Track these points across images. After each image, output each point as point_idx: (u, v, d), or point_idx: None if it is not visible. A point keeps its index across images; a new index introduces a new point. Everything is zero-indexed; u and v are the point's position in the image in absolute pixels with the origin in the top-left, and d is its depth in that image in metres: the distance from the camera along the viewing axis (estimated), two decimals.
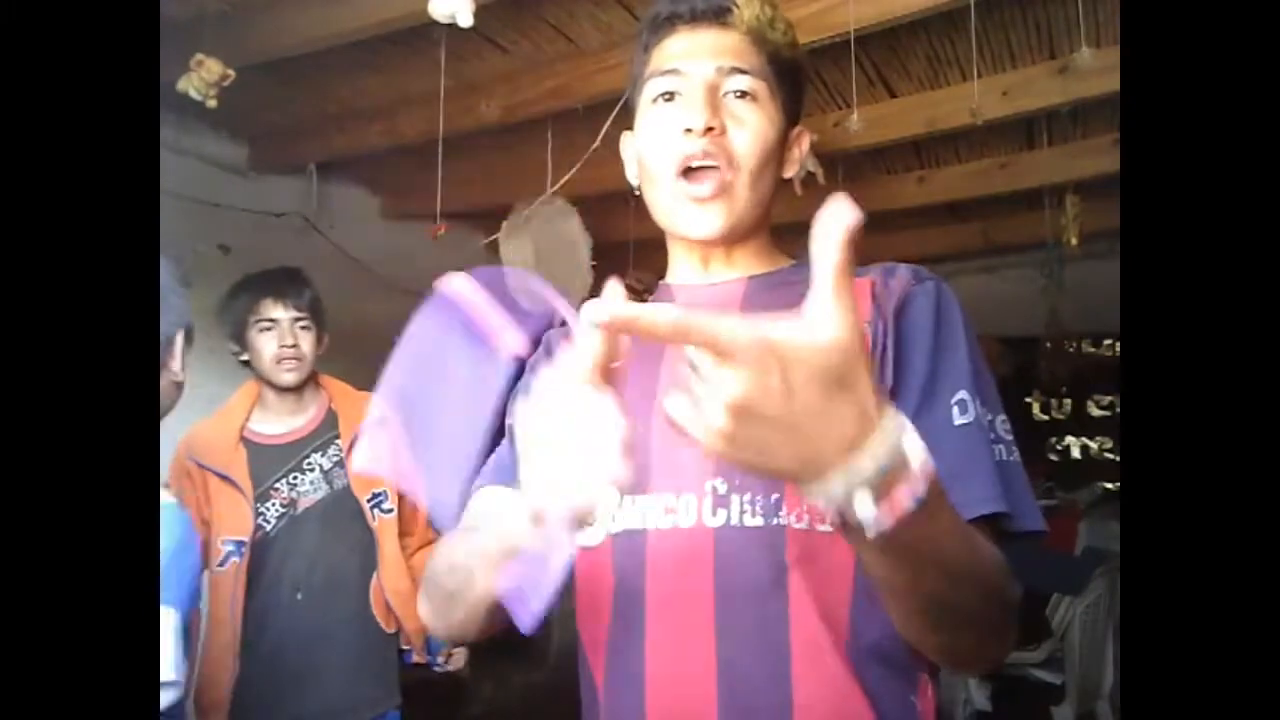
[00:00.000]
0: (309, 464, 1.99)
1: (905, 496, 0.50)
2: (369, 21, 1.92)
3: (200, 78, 1.86)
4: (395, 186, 3.33)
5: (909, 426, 0.51)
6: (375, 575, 1.99)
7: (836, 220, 0.46)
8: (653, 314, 0.45)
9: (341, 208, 3.20)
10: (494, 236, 2.84)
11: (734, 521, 0.80)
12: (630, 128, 0.95)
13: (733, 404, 0.46)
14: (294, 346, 1.94)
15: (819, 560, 0.78)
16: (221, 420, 2.00)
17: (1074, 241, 2.93)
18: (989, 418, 0.80)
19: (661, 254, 0.94)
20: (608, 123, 2.09)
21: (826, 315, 0.47)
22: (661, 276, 0.96)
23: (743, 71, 0.86)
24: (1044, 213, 3.28)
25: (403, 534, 2.06)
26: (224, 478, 1.90)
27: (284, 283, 1.99)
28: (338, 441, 2.02)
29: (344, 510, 1.98)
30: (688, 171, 0.85)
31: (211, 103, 1.90)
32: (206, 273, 2.14)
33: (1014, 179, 3.05)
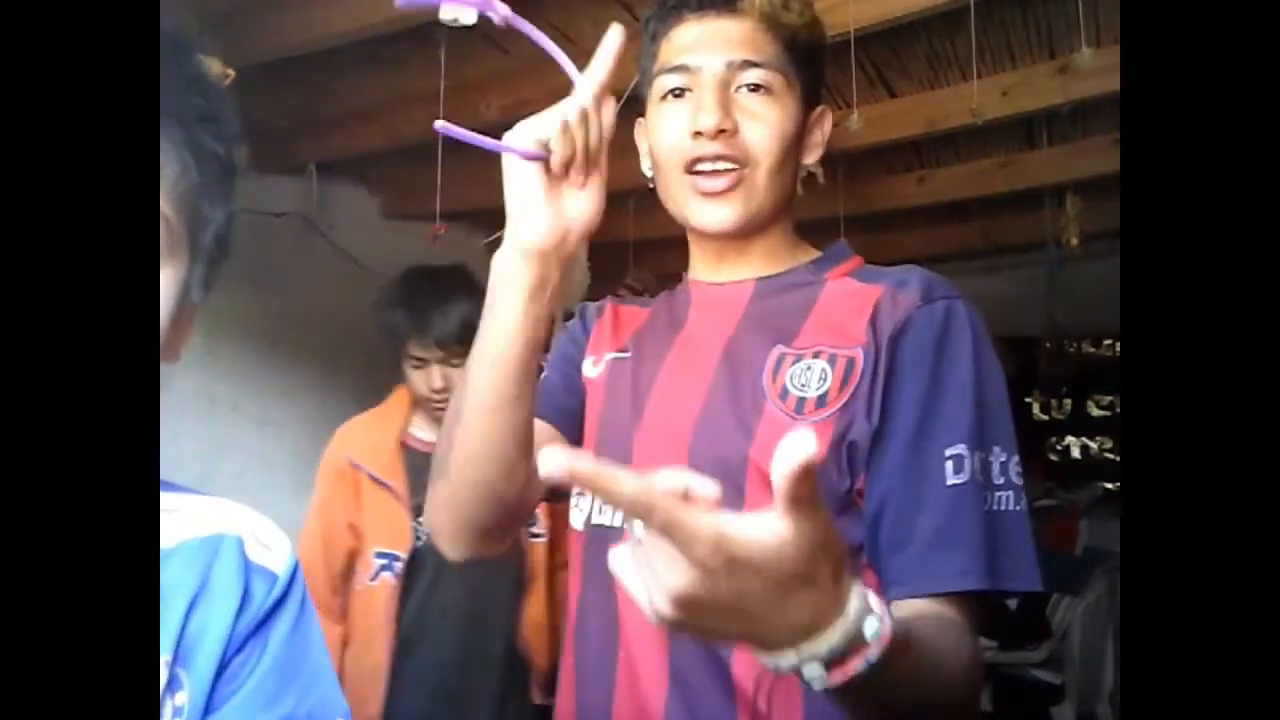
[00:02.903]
0: None
1: (857, 664, 0.49)
2: (369, 21, 1.92)
3: None
4: (395, 186, 3.33)
5: (872, 606, 0.50)
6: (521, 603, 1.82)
7: (793, 450, 0.43)
8: (614, 480, 0.43)
9: (341, 208, 3.20)
10: (494, 236, 2.83)
11: None
12: (641, 114, 0.93)
13: (678, 597, 0.45)
14: (443, 390, 1.73)
15: None
16: (380, 421, 1.84)
17: (1074, 241, 2.93)
18: (1000, 460, 0.76)
19: (661, 254, 0.95)
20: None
21: (785, 528, 0.45)
22: (661, 277, 0.96)
23: (755, 65, 0.81)
24: (1044, 213, 3.28)
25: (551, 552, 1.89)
26: (381, 483, 1.74)
27: (428, 312, 1.74)
28: None
29: None
30: (699, 167, 0.82)
31: None
32: None
33: (1014, 179, 3.05)
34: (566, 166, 0.73)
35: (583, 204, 0.75)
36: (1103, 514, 4.03)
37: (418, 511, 1.73)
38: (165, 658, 0.51)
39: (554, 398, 0.95)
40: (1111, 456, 5.22)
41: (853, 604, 0.49)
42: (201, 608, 0.54)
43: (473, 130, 0.70)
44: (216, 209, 0.57)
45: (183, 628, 0.53)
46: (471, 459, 0.77)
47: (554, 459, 0.43)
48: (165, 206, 0.52)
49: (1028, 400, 5.24)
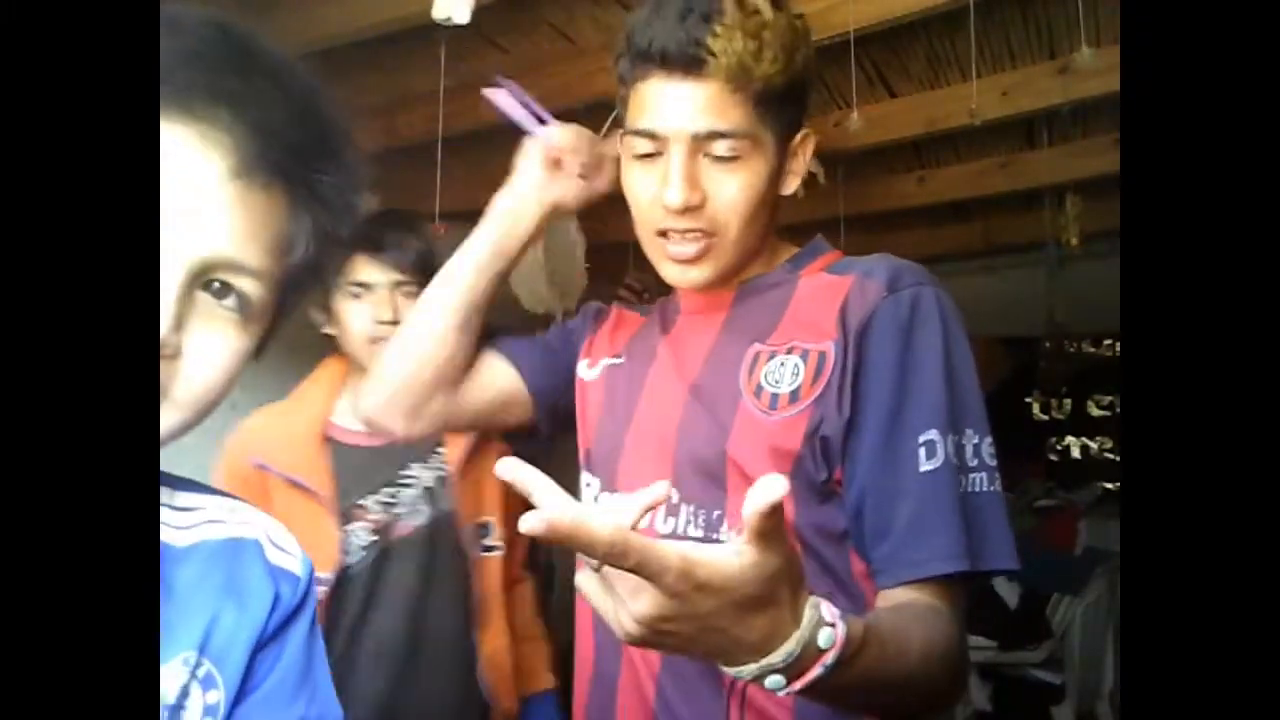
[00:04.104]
0: (408, 477, 1.44)
1: (814, 671, 0.53)
2: (369, 21, 1.92)
3: None
4: (395, 186, 3.33)
5: (825, 617, 0.54)
6: (475, 633, 1.46)
7: (764, 492, 0.47)
8: (593, 525, 0.46)
9: None
10: None
11: (679, 530, 0.81)
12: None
13: (645, 619, 0.49)
14: (394, 322, 1.35)
15: None
16: (295, 409, 1.47)
17: (1074, 241, 2.93)
18: (973, 442, 0.77)
19: None
20: (608, 123, 2.08)
21: (749, 555, 0.49)
22: (660, 277, 0.97)
23: (722, 135, 0.79)
24: (1044, 213, 3.28)
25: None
26: (299, 486, 1.37)
27: (386, 235, 1.41)
28: (440, 449, 1.46)
29: (446, 543, 1.44)
30: (670, 234, 0.84)
31: None
32: None
33: (1014, 179, 3.05)
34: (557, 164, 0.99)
35: (569, 188, 1.01)
36: (1103, 514, 4.03)
37: (346, 518, 1.38)
38: (190, 654, 0.52)
39: (532, 353, 1.04)
40: (1111, 456, 5.23)
41: (808, 617, 0.52)
42: (232, 609, 0.55)
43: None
44: (318, 282, 0.60)
45: (210, 627, 0.54)
46: (407, 354, 0.97)
47: (532, 519, 0.45)
48: (279, 273, 0.53)
49: (1028, 400, 5.24)
